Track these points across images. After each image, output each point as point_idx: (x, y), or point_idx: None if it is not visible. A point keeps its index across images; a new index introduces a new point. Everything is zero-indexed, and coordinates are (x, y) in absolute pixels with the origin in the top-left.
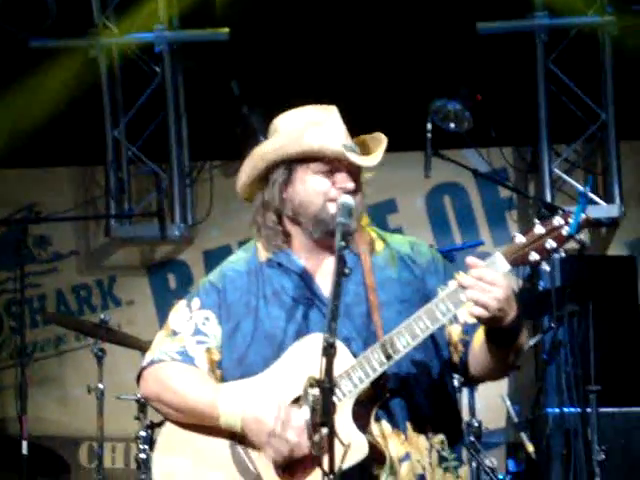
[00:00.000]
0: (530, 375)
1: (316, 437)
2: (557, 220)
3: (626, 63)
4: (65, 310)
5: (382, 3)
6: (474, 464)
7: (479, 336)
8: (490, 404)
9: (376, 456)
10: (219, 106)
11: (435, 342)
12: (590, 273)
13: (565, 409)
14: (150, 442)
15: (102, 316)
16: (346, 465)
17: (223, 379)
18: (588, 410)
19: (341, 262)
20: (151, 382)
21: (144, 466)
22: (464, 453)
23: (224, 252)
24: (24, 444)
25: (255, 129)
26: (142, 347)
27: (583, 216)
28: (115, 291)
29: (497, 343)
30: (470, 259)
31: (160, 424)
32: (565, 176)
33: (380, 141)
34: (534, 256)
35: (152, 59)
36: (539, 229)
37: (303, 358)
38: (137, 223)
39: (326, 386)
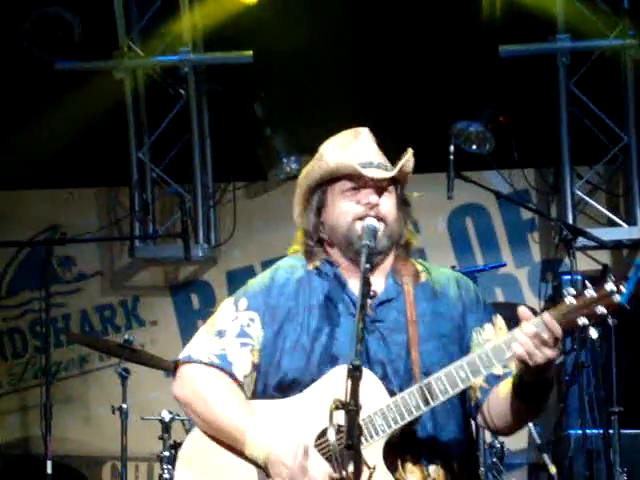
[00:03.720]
0: (552, 396)
1: (343, 472)
2: (609, 286)
3: None
4: (89, 330)
5: (406, 26)
6: None
7: (506, 386)
8: None
9: None
10: (242, 128)
11: None
12: None
13: (588, 430)
14: (174, 462)
15: (126, 336)
16: None
17: (257, 381)
18: (610, 431)
19: (365, 284)
20: (186, 386)
21: None
22: None
23: (247, 273)
24: (49, 464)
25: (277, 151)
26: (166, 367)
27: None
28: (139, 311)
29: (523, 397)
30: (522, 311)
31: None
32: (587, 198)
33: (405, 156)
34: (583, 320)
35: (176, 81)
36: (590, 293)
37: (340, 387)
38: (161, 244)
39: (352, 408)
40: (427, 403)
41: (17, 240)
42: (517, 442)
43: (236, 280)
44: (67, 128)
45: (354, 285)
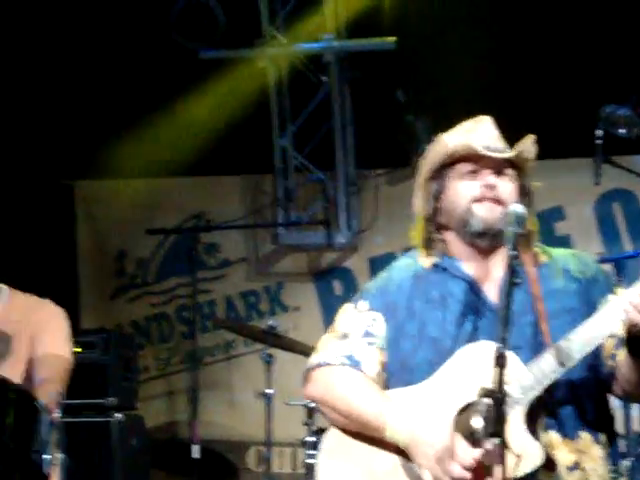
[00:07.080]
0: None
1: (488, 446)
2: None
3: None
4: (234, 315)
5: (554, 9)
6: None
7: (623, 349)
8: None
9: (545, 463)
10: (385, 115)
11: (594, 352)
12: None
13: None
14: (318, 447)
15: (270, 322)
16: (521, 472)
17: (387, 382)
18: None
19: (512, 272)
20: (319, 386)
21: (312, 471)
22: (624, 464)
23: (389, 259)
24: (195, 448)
25: (418, 137)
26: (309, 353)
27: None
28: (282, 297)
29: (635, 352)
30: None
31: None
32: None
33: (525, 140)
34: None
35: (319, 69)
36: None
37: (470, 366)
38: (304, 230)
39: (498, 396)
40: (562, 365)
41: (164, 227)
42: None
43: (378, 267)
44: (211, 116)
45: (488, 289)
